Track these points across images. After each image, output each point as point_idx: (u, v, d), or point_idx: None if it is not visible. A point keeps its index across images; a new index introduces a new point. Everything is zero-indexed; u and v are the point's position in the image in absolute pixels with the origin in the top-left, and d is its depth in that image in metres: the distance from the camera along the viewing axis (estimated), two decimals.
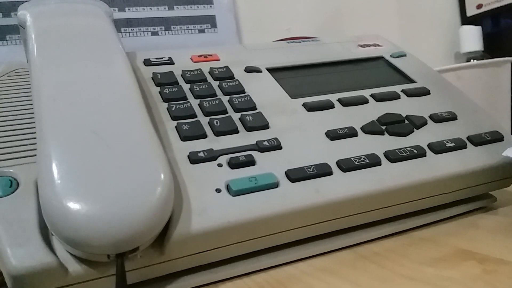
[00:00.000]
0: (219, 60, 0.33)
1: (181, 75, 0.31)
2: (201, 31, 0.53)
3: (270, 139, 0.26)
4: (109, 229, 0.18)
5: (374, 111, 0.30)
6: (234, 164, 0.24)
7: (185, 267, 0.22)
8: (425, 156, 0.27)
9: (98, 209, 0.18)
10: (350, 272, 0.23)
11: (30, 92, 0.25)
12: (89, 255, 0.19)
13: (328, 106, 0.30)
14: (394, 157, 0.27)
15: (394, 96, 0.32)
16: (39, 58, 0.25)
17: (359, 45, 0.39)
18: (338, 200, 0.24)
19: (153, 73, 0.30)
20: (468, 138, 0.29)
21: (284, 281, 0.22)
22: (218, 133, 0.26)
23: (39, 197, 0.20)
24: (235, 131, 0.27)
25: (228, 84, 0.30)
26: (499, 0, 0.67)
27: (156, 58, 0.32)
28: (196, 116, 0.27)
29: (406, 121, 0.30)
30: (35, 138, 0.22)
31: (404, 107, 0.31)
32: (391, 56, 0.38)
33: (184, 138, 0.26)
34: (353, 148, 0.27)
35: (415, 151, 0.27)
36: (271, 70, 0.33)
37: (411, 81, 0.35)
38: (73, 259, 0.20)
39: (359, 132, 0.28)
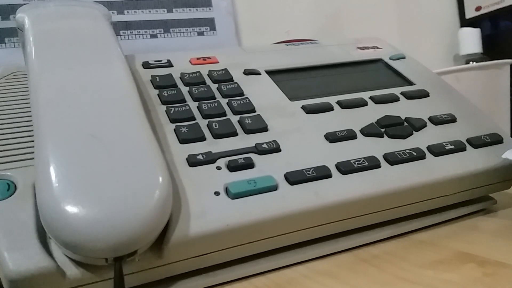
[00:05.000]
0: (218, 62, 0.33)
1: (180, 77, 0.31)
2: (200, 33, 0.53)
3: (269, 141, 0.26)
4: (107, 233, 0.18)
5: (373, 113, 0.30)
6: (233, 167, 0.24)
7: (183, 270, 0.22)
8: (424, 158, 0.27)
9: (96, 212, 0.18)
10: (350, 275, 0.22)
11: (28, 95, 0.25)
12: (87, 259, 0.19)
13: (327, 108, 0.30)
14: (393, 159, 0.27)
15: (393, 99, 0.32)
16: (37, 61, 0.25)
17: (358, 48, 0.39)
18: (338, 203, 0.24)
19: (151, 75, 0.30)
20: (467, 140, 0.29)
21: (284, 285, 0.22)
22: (217, 136, 0.26)
23: (37, 201, 0.20)
24: (234, 133, 0.27)
25: (227, 86, 0.30)
26: (498, 2, 0.67)
27: (155, 61, 0.32)
28: (194, 119, 0.27)
29: (405, 124, 0.30)
30: (33, 141, 0.22)
31: (403, 109, 0.31)
32: (390, 59, 0.38)
33: (183, 140, 0.25)
34: (352, 151, 0.27)
35: (415, 154, 0.27)
36: (270, 73, 0.33)
37: (410, 83, 0.35)
38: (71, 262, 0.20)
39: (358, 134, 0.28)
